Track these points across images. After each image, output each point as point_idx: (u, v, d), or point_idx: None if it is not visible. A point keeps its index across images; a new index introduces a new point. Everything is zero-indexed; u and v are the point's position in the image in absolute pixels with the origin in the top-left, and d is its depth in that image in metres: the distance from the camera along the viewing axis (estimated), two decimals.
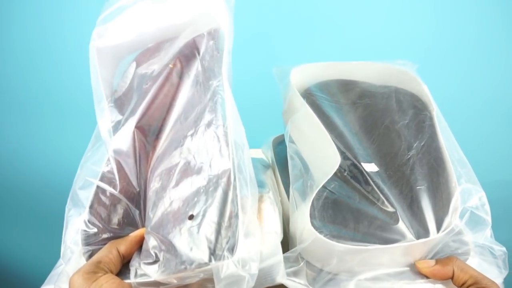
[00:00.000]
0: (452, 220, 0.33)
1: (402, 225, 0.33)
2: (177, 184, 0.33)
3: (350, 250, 0.31)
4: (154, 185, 0.35)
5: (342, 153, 0.36)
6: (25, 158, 0.89)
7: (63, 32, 0.71)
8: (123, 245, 0.33)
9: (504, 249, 0.34)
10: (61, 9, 0.69)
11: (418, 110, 0.40)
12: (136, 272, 0.32)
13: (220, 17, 0.36)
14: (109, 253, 0.32)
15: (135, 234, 0.34)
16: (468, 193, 0.35)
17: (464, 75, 0.74)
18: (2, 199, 0.97)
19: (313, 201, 0.34)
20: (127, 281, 0.31)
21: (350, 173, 0.36)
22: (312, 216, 0.33)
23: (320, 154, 0.36)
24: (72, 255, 0.34)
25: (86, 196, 0.36)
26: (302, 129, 0.39)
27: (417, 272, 0.34)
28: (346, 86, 0.43)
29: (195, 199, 0.32)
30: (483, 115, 0.78)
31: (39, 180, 0.92)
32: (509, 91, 0.74)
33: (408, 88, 0.42)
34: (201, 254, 0.29)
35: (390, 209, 0.34)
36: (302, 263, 0.35)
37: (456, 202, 0.34)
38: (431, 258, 0.34)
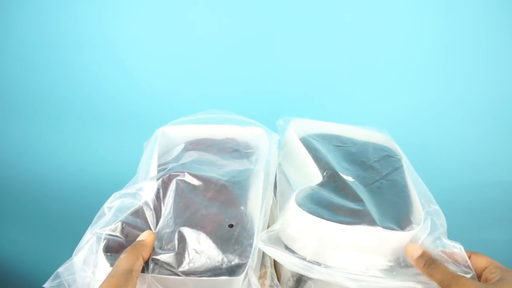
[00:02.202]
0: (414, 224, 0.40)
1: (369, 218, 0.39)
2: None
3: (325, 227, 0.37)
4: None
5: (324, 166, 0.45)
6: (22, 159, 0.91)
7: (60, 32, 0.73)
8: (145, 251, 0.34)
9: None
10: (58, 9, 0.71)
11: (389, 155, 0.50)
12: (153, 267, 0.34)
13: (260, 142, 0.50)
14: (137, 260, 0.32)
15: (151, 238, 0.35)
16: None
17: (465, 75, 0.75)
18: (1, 199, 0.97)
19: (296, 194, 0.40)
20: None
21: (329, 178, 0.44)
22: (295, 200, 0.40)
23: (303, 172, 0.45)
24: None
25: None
26: (290, 154, 0.49)
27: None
28: (334, 137, 0.54)
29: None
30: (483, 116, 0.79)
31: (37, 181, 0.93)
32: (510, 93, 0.76)
33: (383, 144, 0.53)
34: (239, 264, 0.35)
35: (361, 204, 0.40)
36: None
37: (417, 211, 0.41)
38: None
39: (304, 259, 0.38)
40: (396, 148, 0.51)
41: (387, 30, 0.72)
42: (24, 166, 0.92)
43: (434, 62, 0.75)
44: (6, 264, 1.05)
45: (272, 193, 0.45)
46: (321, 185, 0.43)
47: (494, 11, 0.68)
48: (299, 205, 0.39)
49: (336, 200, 0.41)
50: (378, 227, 0.38)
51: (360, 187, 0.44)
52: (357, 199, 0.41)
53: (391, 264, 0.39)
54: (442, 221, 0.40)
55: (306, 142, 0.50)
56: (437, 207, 0.41)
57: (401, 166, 0.47)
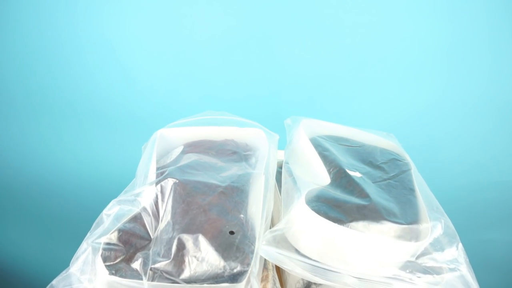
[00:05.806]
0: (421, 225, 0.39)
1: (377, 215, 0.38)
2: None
3: (330, 226, 0.36)
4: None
5: (330, 163, 0.45)
6: (21, 159, 0.91)
7: (60, 33, 0.74)
8: None
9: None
10: (57, 10, 0.71)
11: (396, 159, 0.50)
12: (152, 275, 0.34)
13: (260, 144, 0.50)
14: None
15: None
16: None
17: (466, 76, 0.76)
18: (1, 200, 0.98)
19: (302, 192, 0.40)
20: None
21: (335, 175, 0.44)
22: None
23: (310, 172, 0.45)
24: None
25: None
26: (297, 153, 0.49)
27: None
28: (341, 139, 0.54)
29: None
30: (485, 117, 0.79)
31: (36, 181, 0.94)
32: (510, 93, 0.77)
33: (391, 148, 0.54)
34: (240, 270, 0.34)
35: (367, 200, 0.40)
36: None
37: (424, 219, 0.40)
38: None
39: (309, 258, 0.37)
40: (404, 153, 0.52)
41: (389, 32, 0.72)
42: (23, 166, 0.92)
43: (435, 64, 0.75)
44: (5, 264, 1.05)
45: (273, 196, 0.44)
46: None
47: (496, 13, 0.68)
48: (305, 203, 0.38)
49: (342, 197, 0.40)
50: (386, 235, 0.37)
51: (368, 182, 0.44)
52: (363, 194, 0.41)
53: (396, 266, 0.38)
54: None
55: (314, 142, 0.50)
56: (445, 215, 0.40)
57: (409, 170, 0.47)
